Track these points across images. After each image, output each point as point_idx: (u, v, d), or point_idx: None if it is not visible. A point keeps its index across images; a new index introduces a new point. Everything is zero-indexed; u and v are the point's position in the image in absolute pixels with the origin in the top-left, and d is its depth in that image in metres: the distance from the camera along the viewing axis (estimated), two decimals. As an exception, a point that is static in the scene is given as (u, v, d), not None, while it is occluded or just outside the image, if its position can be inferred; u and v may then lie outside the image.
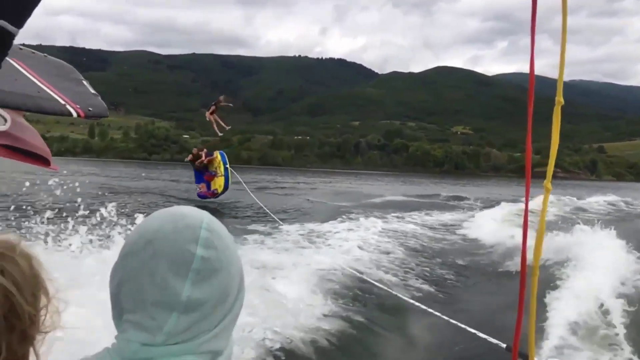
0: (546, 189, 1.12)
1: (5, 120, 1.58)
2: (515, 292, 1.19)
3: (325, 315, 7.60)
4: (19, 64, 2.04)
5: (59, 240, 8.95)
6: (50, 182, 10.98)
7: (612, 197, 35.51)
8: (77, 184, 11.30)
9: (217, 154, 24.90)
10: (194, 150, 25.59)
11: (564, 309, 8.07)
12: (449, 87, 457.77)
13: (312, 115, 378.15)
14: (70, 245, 8.80)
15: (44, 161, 2.01)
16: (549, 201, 1.14)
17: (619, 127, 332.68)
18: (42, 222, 9.31)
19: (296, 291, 8.36)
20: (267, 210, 17.00)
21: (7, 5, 1.19)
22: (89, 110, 2.05)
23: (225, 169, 24.14)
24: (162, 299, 0.98)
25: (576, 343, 7.05)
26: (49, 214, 9.37)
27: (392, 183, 69.11)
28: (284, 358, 6.05)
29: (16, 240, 1.02)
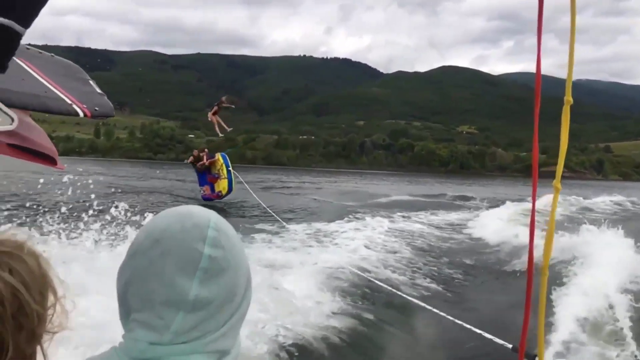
0: (556, 189, 1.11)
1: (13, 120, 1.58)
2: (523, 291, 1.19)
3: (334, 313, 7.72)
4: (26, 64, 2.05)
5: (73, 238, 9.20)
6: (64, 180, 11.17)
7: (618, 197, 35.40)
8: (90, 181, 11.51)
9: (218, 156, 24.74)
10: (195, 152, 25.44)
11: (570, 306, 8.05)
12: (454, 87, 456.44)
13: (317, 114, 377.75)
14: (86, 239, 9.10)
15: (50, 160, 2.02)
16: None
17: (626, 126, 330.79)
18: (55, 220, 9.53)
19: (304, 289, 8.49)
20: (272, 212, 17.05)
21: (15, 6, 1.20)
22: (96, 109, 2.05)
23: (228, 171, 24.06)
24: (169, 298, 0.98)
25: (582, 340, 7.04)
26: (63, 209, 9.60)
27: (397, 183, 69.02)
28: (295, 353, 6.19)
29: (24, 238, 1.02)
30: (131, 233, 8.84)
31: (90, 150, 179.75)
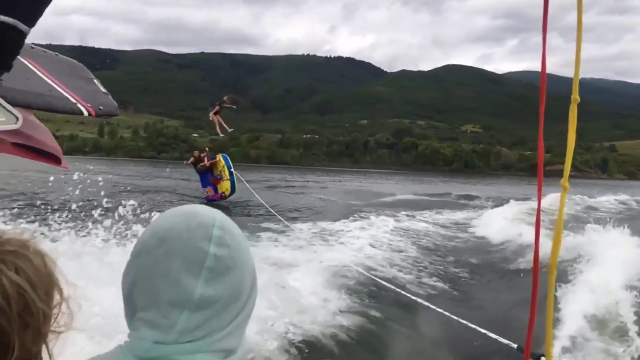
0: (563, 188, 1.11)
1: (17, 119, 1.58)
2: (528, 290, 1.18)
3: (341, 311, 7.84)
4: (30, 63, 2.05)
5: (82, 236, 9.35)
6: (75, 177, 11.29)
7: (623, 196, 35.29)
8: (99, 179, 11.62)
9: (220, 157, 24.57)
10: (196, 153, 25.23)
11: (575, 304, 8.03)
12: (458, 86, 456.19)
13: (321, 113, 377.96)
14: (95, 236, 9.25)
15: (55, 159, 2.02)
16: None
17: (631, 125, 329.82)
18: (65, 217, 9.68)
19: (311, 287, 8.61)
20: (276, 213, 17.10)
21: (20, 5, 1.20)
22: (100, 108, 2.05)
23: (230, 173, 23.95)
24: (175, 297, 0.98)
25: (588, 337, 7.04)
26: (74, 206, 9.72)
27: (401, 182, 68.95)
28: (305, 350, 6.30)
29: (29, 237, 1.02)
30: (140, 231, 8.94)
31: (94, 149, 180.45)
